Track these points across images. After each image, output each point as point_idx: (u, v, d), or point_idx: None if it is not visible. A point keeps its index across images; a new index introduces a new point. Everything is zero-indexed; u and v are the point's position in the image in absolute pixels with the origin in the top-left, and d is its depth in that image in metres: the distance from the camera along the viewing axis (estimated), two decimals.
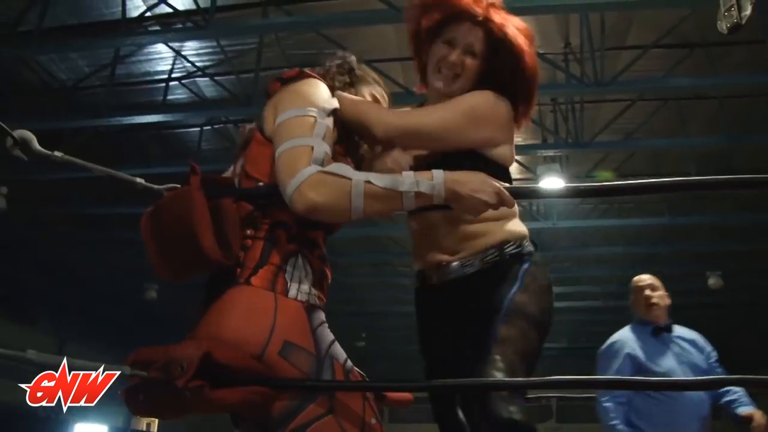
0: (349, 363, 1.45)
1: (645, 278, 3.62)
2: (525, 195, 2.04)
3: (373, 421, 1.42)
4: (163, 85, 7.50)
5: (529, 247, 1.80)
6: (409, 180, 1.35)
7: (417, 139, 1.68)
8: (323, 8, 6.22)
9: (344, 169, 1.37)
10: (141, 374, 1.21)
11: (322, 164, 1.36)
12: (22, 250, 11.06)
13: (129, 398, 1.30)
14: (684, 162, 8.27)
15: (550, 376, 1.40)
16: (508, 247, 1.76)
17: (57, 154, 1.32)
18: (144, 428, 15.86)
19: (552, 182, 7.40)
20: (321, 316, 1.47)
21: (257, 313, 1.36)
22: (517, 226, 1.81)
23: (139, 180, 1.54)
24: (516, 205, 1.68)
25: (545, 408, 19.08)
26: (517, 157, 8.52)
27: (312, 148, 1.37)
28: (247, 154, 1.55)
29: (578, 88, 6.58)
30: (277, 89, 1.54)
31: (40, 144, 1.36)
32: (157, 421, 15.36)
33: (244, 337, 1.33)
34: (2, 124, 1.22)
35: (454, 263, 1.76)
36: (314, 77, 1.55)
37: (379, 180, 1.35)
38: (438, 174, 1.37)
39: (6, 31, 6.27)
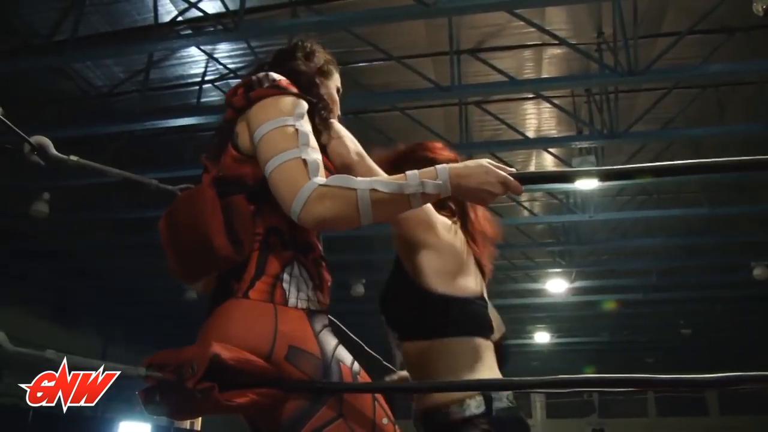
0: (357, 365, 1.43)
1: None
2: (531, 180, 1.99)
3: (385, 421, 1.40)
4: (197, 87, 7.59)
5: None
6: (414, 182, 1.33)
7: None
8: (353, 6, 6.21)
9: (345, 179, 1.34)
10: (155, 375, 1.23)
11: (318, 172, 1.35)
12: (66, 254, 11.33)
13: (146, 399, 1.32)
14: (724, 151, 8.06)
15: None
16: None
17: (72, 158, 1.35)
18: (187, 426, 16.09)
19: None
20: (323, 320, 1.46)
21: (258, 321, 1.36)
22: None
23: (153, 181, 1.56)
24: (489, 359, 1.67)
25: (587, 403, 18.90)
26: (552, 150, 8.54)
27: (304, 160, 1.35)
28: (221, 165, 1.52)
29: (612, 78, 6.46)
30: (243, 104, 1.48)
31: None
32: (200, 419, 15.57)
33: (249, 343, 1.32)
34: (19, 131, 1.23)
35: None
36: (281, 93, 1.46)
37: (384, 186, 1.33)
38: (443, 171, 1.35)
39: (42, 42, 6.43)
